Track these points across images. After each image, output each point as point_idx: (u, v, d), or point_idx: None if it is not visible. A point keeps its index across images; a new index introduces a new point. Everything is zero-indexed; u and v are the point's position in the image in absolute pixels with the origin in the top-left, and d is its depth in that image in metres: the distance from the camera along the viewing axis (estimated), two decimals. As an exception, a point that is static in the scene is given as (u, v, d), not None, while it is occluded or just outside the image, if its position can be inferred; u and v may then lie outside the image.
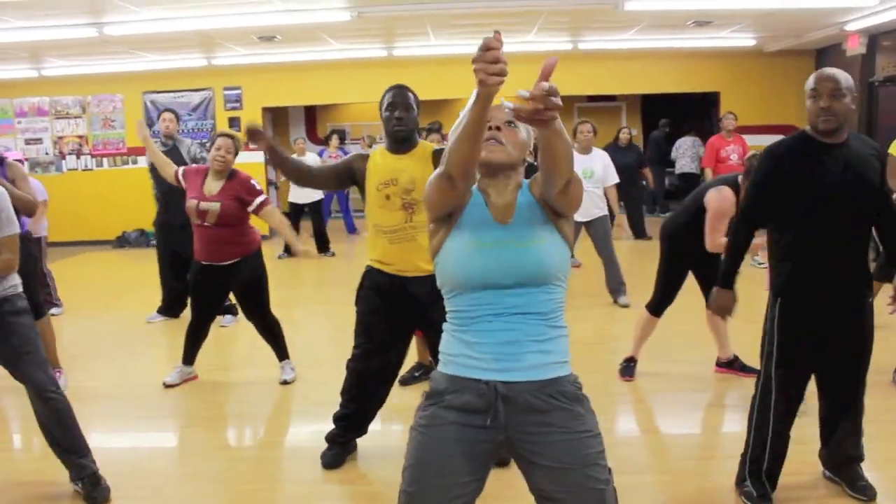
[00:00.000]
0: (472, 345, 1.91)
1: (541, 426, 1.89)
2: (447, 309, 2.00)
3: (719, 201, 4.12)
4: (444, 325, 2.01)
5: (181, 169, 4.81)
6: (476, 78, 1.59)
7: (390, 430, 3.99)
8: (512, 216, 1.94)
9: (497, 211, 1.95)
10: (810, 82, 2.71)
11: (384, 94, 3.34)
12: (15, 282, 3.25)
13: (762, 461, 2.99)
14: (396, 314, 3.39)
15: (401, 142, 3.32)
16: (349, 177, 3.44)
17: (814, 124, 2.72)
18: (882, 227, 2.92)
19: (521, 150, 1.97)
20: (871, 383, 3.03)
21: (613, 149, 10.70)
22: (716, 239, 4.14)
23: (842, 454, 3.09)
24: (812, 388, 3.04)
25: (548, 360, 1.91)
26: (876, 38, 10.00)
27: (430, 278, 3.28)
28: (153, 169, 5.98)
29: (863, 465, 3.10)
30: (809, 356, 2.93)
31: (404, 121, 3.28)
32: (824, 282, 2.82)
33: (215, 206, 4.51)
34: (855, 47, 10.06)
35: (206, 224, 4.53)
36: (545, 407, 1.89)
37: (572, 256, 7.39)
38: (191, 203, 4.58)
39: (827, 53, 11.49)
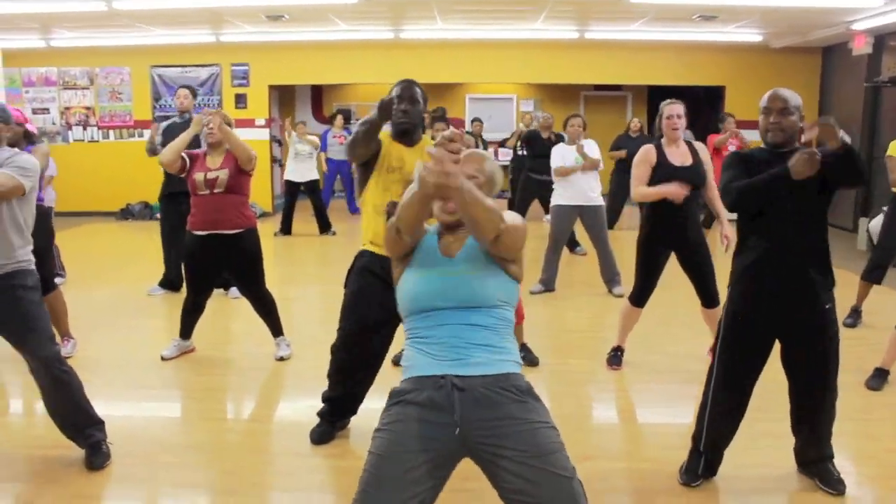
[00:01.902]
0: (427, 350, 2.11)
1: (498, 420, 2.00)
2: (406, 331, 2.22)
3: (638, 155, 4.56)
4: (405, 344, 2.22)
5: (184, 153, 4.85)
6: (425, 174, 1.94)
7: (379, 409, 4.07)
8: (458, 251, 2.22)
9: (445, 247, 2.22)
10: (764, 101, 2.97)
11: (392, 87, 3.43)
12: (28, 256, 3.27)
13: (700, 440, 3.20)
14: (386, 297, 3.41)
15: (403, 134, 3.41)
16: (377, 145, 3.46)
17: (763, 137, 2.99)
18: None
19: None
20: (849, 383, 3.12)
21: (625, 138, 10.77)
22: (637, 189, 4.49)
23: (812, 453, 3.21)
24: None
25: (498, 358, 2.09)
26: (882, 39, 10.01)
27: None
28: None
29: (834, 460, 3.20)
30: (755, 350, 3.05)
31: (409, 114, 3.36)
32: (770, 280, 2.96)
33: (223, 172, 4.64)
34: (861, 47, 10.06)
35: (214, 191, 4.62)
36: (499, 399, 2.02)
37: (578, 245, 7.48)
38: (198, 175, 4.67)
39: (833, 52, 11.49)
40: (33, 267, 3.31)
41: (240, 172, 4.70)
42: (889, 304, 6.16)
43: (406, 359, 2.20)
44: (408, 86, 3.40)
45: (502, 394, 2.03)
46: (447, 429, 2.01)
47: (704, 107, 13.67)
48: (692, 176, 4.47)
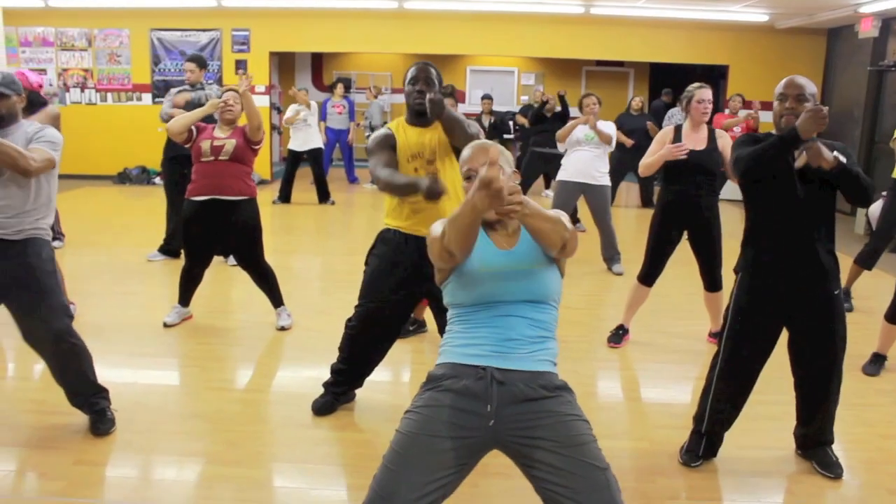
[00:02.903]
0: (473, 338, 2.11)
1: (533, 414, 2.02)
2: (453, 315, 2.21)
3: (657, 135, 4.72)
4: (448, 323, 2.22)
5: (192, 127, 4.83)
6: (476, 198, 1.86)
7: (383, 382, 4.10)
8: (515, 243, 2.20)
9: (500, 239, 2.20)
10: (780, 87, 2.98)
11: (408, 69, 3.45)
12: (46, 227, 3.26)
13: (702, 422, 3.23)
14: (406, 276, 3.40)
15: (420, 115, 3.40)
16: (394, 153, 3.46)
17: (777, 122, 2.99)
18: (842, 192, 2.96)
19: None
20: (845, 368, 3.13)
21: (625, 116, 10.73)
22: (642, 163, 4.62)
23: (813, 438, 3.24)
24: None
25: (541, 357, 2.12)
26: (889, 23, 9.96)
27: None
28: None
29: (832, 445, 3.24)
30: (762, 338, 3.07)
31: (425, 94, 3.35)
32: (779, 267, 2.98)
33: (231, 141, 4.65)
34: (867, 30, 10.01)
35: (219, 158, 4.62)
36: (536, 395, 2.04)
37: (577, 222, 7.55)
38: (204, 142, 4.67)
39: (838, 34, 11.43)
40: (49, 238, 3.30)
41: (247, 145, 4.70)
42: (882, 288, 6.18)
43: (447, 342, 2.19)
44: (423, 67, 3.42)
45: (538, 391, 2.05)
46: (480, 420, 2.02)
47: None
48: (702, 160, 4.49)
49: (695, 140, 4.54)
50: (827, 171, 2.78)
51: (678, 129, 4.63)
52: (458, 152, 3.34)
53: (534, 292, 2.13)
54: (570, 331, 5.10)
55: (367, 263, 3.59)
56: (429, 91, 3.35)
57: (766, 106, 11.13)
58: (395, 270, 3.44)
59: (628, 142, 10.37)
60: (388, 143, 3.42)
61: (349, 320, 3.62)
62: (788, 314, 3.04)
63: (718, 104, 11.34)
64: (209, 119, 4.95)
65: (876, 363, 4.48)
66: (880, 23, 9.92)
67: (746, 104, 10.27)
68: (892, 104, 10.12)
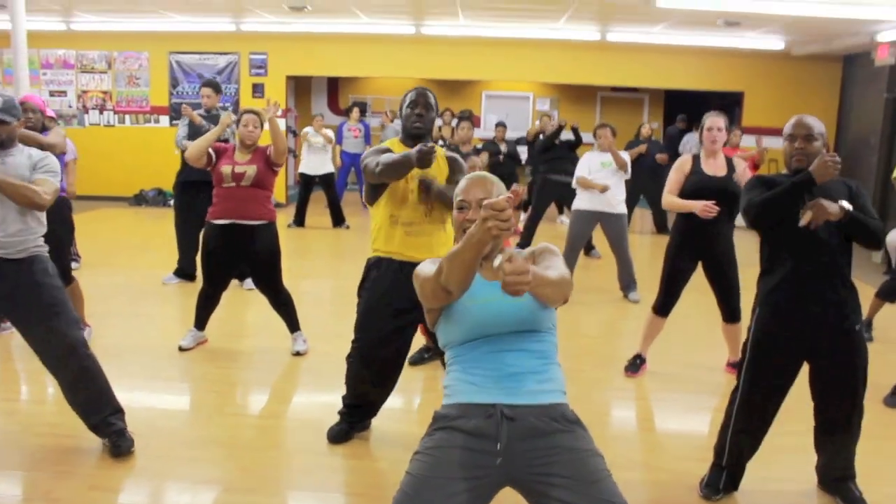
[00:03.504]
0: (475, 377, 2.08)
1: (546, 450, 1.99)
2: (450, 356, 2.19)
3: (675, 164, 4.64)
4: (447, 367, 2.20)
5: (210, 149, 4.85)
6: (484, 226, 1.79)
7: (398, 410, 4.07)
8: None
9: (486, 271, 2.15)
10: (788, 127, 3.02)
11: (406, 94, 3.51)
12: (40, 243, 3.32)
13: (722, 455, 3.20)
14: (402, 307, 3.36)
15: (417, 139, 3.45)
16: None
17: (788, 163, 3.02)
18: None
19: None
20: (866, 399, 3.08)
21: (635, 143, 10.74)
22: (667, 197, 4.55)
23: (835, 472, 3.19)
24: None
25: (547, 388, 2.08)
26: (906, 50, 9.92)
27: None
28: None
29: (855, 480, 3.18)
30: (781, 371, 3.04)
31: (423, 118, 3.45)
32: (795, 302, 2.97)
33: (252, 167, 4.67)
34: (884, 57, 9.98)
35: (241, 185, 4.65)
36: (548, 429, 2.01)
37: (593, 248, 7.49)
38: (225, 168, 4.68)
39: (854, 61, 11.40)
40: (46, 253, 3.36)
41: (268, 169, 4.74)
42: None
43: (451, 384, 2.16)
44: (423, 92, 3.50)
45: (550, 424, 2.02)
46: (490, 458, 1.99)
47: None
48: (723, 185, 4.44)
49: (713, 167, 4.51)
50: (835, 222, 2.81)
51: (696, 157, 4.60)
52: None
53: (527, 321, 2.10)
54: (586, 359, 5.06)
55: (359, 296, 3.56)
56: (427, 115, 3.43)
57: (781, 133, 11.22)
58: (389, 301, 3.41)
59: (640, 149, 10.37)
60: (383, 150, 3.48)
61: (349, 357, 3.59)
62: (808, 348, 3.01)
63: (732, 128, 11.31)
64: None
65: (900, 397, 4.41)
66: (897, 50, 9.89)
67: (746, 130, 10.24)
68: (909, 132, 10.06)
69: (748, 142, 10.86)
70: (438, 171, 3.45)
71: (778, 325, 3.02)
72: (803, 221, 2.83)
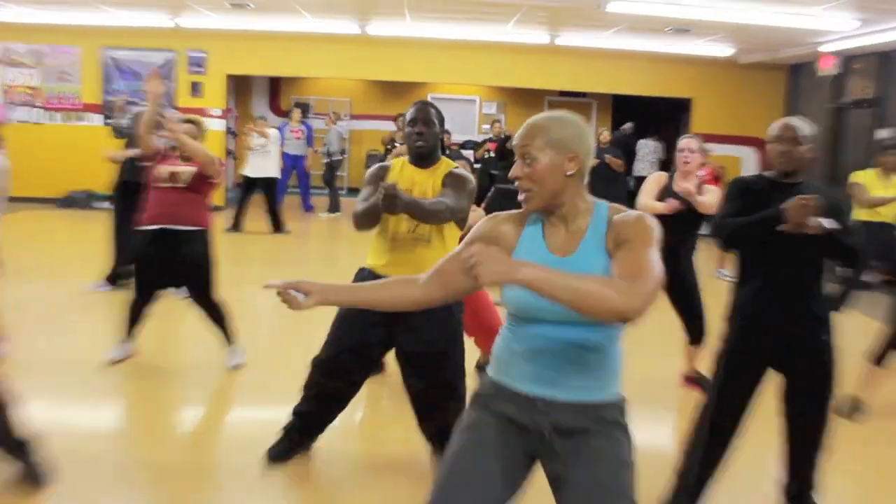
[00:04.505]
0: (522, 360, 1.94)
1: (575, 447, 1.91)
2: (507, 319, 2.03)
3: (653, 176, 4.82)
4: (503, 326, 2.05)
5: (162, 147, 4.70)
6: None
7: (341, 429, 3.89)
8: (573, 250, 1.91)
9: (556, 238, 1.95)
10: (774, 129, 3.00)
11: (407, 109, 3.37)
12: None
13: (685, 474, 3.14)
14: (377, 320, 3.24)
15: (421, 157, 3.32)
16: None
17: (773, 164, 3.02)
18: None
19: (545, 179, 1.90)
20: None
21: (596, 150, 10.73)
22: (645, 200, 4.60)
23: (798, 487, 3.15)
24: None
25: (595, 385, 1.94)
26: (849, 61, 10.17)
27: None
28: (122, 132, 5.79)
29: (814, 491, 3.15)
30: (751, 385, 3.02)
31: (424, 135, 3.26)
32: (770, 314, 2.95)
33: (191, 169, 4.51)
34: (827, 68, 10.22)
35: (176, 186, 4.49)
36: (582, 428, 1.91)
37: None
38: (161, 168, 4.52)
39: (800, 70, 11.66)
40: None
41: (204, 177, 4.56)
42: (865, 329, 6.17)
43: (498, 349, 2.03)
44: (422, 107, 3.31)
45: (586, 424, 1.91)
46: (522, 442, 1.95)
47: (666, 120, 13.80)
48: (691, 208, 4.48)
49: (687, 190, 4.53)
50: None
51: (671, 176, 4.67)
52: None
53: (575, 314, 1.80)
54: None
55: None
56: (428, 132, 3.26)
57: (729, 140, 11.40)
58: (364, 314, 3.24)
59: (618, 163, 10.40)
60: (378, 176, 3.33)
61: (316, 358, 3.43)
62: (779, 362, 2.99)
63: (678, 135, 11.42)
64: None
65: (853, 407, 4.42)
66: (840, 61, 10.13)
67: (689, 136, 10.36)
68: (852, 142, 10.30)
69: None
70: (430, 186, 3.30)
71: (749, 338, 3.00)
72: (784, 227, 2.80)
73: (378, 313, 3.23)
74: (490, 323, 4.25)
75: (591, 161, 1.95)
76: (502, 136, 11.45)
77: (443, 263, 2.05)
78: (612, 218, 1.92)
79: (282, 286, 2.03)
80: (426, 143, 3.26)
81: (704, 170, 8.56)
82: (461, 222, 3.34)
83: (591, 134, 1.97)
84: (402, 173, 3.33)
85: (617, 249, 1.85)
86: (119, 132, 5.84)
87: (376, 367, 4.70)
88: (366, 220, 3.20)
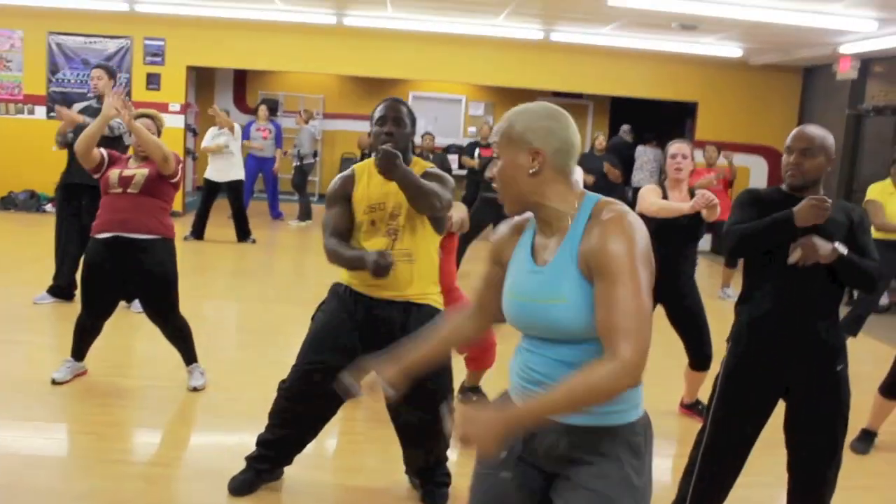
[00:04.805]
0: (512, 371, 2.03)
1: (564, 478, 1.94)
2: None
3: (649, 186, 4.73)
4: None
5: (104, 150, 4.72)
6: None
7: (312, 456, 3.93)
8: (551, 258, 1.92)
9: (539, 249, 1.97)
10: (788, 138, 3.03)
11: (376, 107, 3.37)
12: None
13: None
14: (353, 342, 3.30)
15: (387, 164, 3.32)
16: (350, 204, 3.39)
17: (784, 177, 3.05)
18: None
19: (506, 180, 1.95)
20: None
21: (588, 156, 10.80)
22: (656, 201, 4.53)
23: None
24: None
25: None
26: (869, 64, 10.34)
27: (404, 305, 3.29)
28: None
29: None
30: (755, 412, 3.06)
31: (395, 136, 3.27)
32: (777, 333, 2.99)
33: (142, 171, 4.52)
34: (846, 71, 10.38)
35: (128, 191, 4.50)
36: (567, 456, 1.92)
37: None
38: (112, 172, 4.54)
39: (816, 73, 11.84)
40: None
41: (161, 177, 4.57)
42: (878, 355, 6.28)
43: (511, 360, 2.10)
44: (393, 105, 3.33)
45: (571, 450, 1.92)
46: (523, 461, 2.01)
47: (669, 125, 13.93)
48: (686, 222, 4.52)
49: (678, 200, 4.58)
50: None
51: (662, 187, 4.68)
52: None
53: (553, 330, 1.88)
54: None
55: (313, 319, 3.48)
56: (399, 132, 3.27)
57: (737, 148, 11.52)
58: (337, 335, 3.33)
59: (616, 174, 10.47)
60: (343, 193, 3.35)
61: (283, 382, 3.46)
62: (786, 386, 3.04)
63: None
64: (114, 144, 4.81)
65: (866, 440, 4.51)
66: (859, 64, 10.30)
67: (698, 144, 10.53)
68: (871, 150, 10.47)
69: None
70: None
71: (754, 360, 3.04)
72: (792, 259, 2.87)
73: (358, 332, 3.30)
74: (483, 337, 4.34)
75: (572, 156, 1.94)
76: (485, 140, 11.61)
77: (479, 295, 2.17)
78: (589, 222, 1.87)
79: (364, 390, 2.14)
80: (396, 146, 3.24)
81: (715, 175, 8.63)
82: (440, 225, 3.38)
83: (567, 125, 1.95)
84: (371, 183, 3.32)
85: (594, 276, 1.81)
86: (63, 144, 5.91)
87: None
88: (342, 264, 3.23)
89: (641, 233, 1.83)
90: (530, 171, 1.90)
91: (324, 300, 3.49)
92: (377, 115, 3.32)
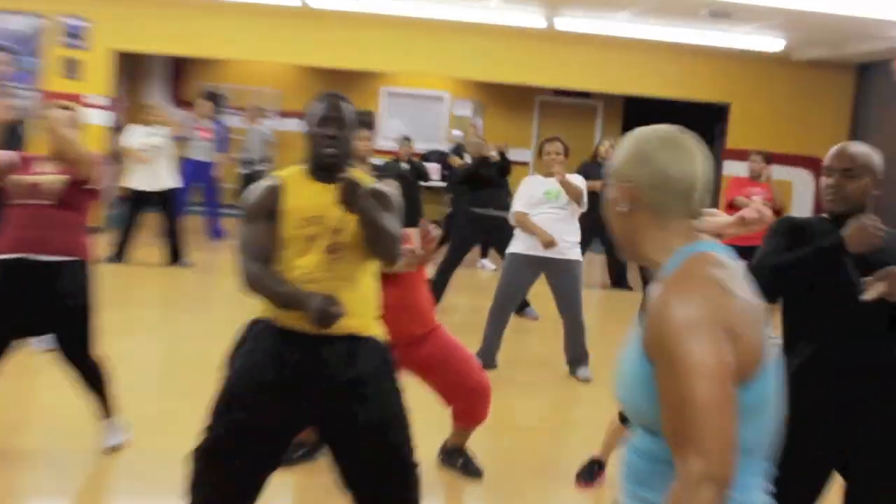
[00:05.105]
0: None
1: None
2: None
3: None
4: None
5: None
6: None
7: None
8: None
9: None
10: (826, 158, 3.07)
11: (312, 103, 3.34)
12: None
13: None
14: (290, 388, 3.24)
15: (328, 169, 3.29)
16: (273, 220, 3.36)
17: (824, 203, 3.09)
18: None
19: (609, 222, 1.94)
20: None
21: (592, 166, 10.81)
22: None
23: None
24: None
25: (644, 495, 1.81)
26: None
27: (348, 340, 3.22)
28: None
29: None
30: (802, 479, 3.02)
31: (338, 140, 3.26)
32: (828, 394, 2.99)
33: (59, 176, 4.49)
34: (906, 68, 10.44)
35: (40, 202, 4.46)
36: None
37: (528, 306, 7.47)
38: (19, 178, 4.49)
39: (872, 71, 11.90)
40: None
41: (79, 185, 4.53)
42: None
43: None
44: (335, 102, 3.30)
45: None
46: None
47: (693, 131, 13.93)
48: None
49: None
50: None
51: None
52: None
53: (624, 408, 1.90)
54: (521, 462, 5.03)
55: (226, 366, 3.40)
56: (341, 135, 3.25)
57: (777, 158, 11.50)
58: (262, 381, 3.25)
59: (595, 185, 10.46)
60: (266, 208, 3.29)
61: (196, 451, 3.34)
62: (842, 449, 3.01)
63: (716, 154, 11.55)
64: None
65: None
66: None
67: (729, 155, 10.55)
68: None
69: (736, 169, 11.10)
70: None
71: (801, 417, 2.94)
72: (871, 295, 2.81)
73: (292, 376, 3.23)
74: (472, 379, 4.35)
75: (680, 196, 1.84)
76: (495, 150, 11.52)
77: None
78: (655, 293, 1.79)
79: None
80: (339, 152, 3.26)
81: (759, 193, 8.58)
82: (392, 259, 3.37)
83: (681, 158, 1.87)
84: (303, 192, 3.30)
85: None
86: None
87: (304, 448, 4.67)
88: (275, 301, 3.21)
89: (705, 296, 1.70)
90: (617, 209, 1.88)
91: (234, 347, 3.41)
92: (318, 113, 3.28)
